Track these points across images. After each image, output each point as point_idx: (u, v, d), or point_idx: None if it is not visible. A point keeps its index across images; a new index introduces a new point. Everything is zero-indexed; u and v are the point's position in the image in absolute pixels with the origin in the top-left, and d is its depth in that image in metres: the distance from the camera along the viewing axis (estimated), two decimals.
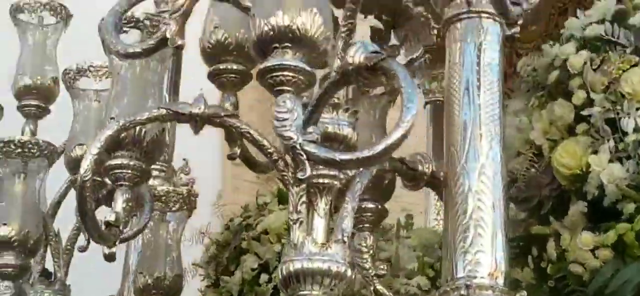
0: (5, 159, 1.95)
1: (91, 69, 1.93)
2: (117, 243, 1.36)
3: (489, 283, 1.25)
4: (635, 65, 1.49)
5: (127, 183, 1.38)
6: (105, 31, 1.36)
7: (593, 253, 1.45)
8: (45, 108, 2.02)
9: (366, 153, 1.14)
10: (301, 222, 1.29)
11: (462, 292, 1.25)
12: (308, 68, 1.08)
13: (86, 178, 1.25)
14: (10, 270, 1.92)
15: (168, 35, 1.33)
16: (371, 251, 1.59)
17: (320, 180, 1.30)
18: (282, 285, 1.28)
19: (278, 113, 1.07)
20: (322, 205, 1.32)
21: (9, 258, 1.91)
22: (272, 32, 1.07)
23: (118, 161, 1.35)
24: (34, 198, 1.96)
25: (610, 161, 1.45)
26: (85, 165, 1.24)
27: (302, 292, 1.23)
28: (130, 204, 1.38)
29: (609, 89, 1.48)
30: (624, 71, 1.48)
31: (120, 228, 1.36)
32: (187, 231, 2.15)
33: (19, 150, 1.93)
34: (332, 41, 1.18)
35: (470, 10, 1.31)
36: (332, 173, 1.30)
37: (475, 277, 1.25)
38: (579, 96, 1.50)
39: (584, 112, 1.50)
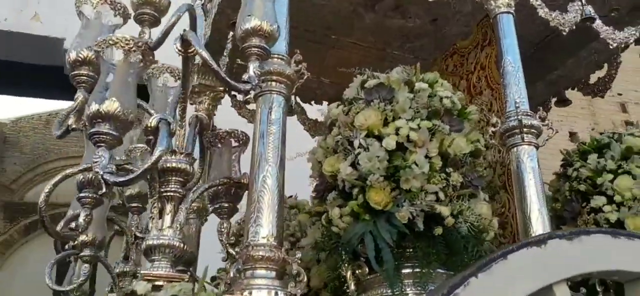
0: None
1: None
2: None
3: (263, 242, 1.96)
4: (363, 110, 2.22)
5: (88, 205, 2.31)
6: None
7: (341, 220, 2.16)
8: None
9: (132, 176, 1.88)
10: (154, 218, 2.08)
11: (242, 249, 2.01)
12: (115, 133, 1.81)
13: (42, 208, 2.18)
14: None
15: None
16: (227, 231, 2.37)
17: (168, 193, 2.11)
18: (145, 253, 2.07)
19: (95, 158, 1.80)
20: (168, 207, 2.09)
21: None
22: (93, 113, 1.81)
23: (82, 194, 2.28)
24: None
25: (351, 166, 2.16)
26: (41, 199, 2.17)
27: (154, 256, 2.04)
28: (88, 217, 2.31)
29: (351, 124, 2.22)
30: (357, 113, 2.22)
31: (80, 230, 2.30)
32: None
33: None
34: (131, 116, 1.85)
35: (263, 90, 2.11)
36: (174, 188, 2.12)
37: (255, 239, 1.97)
38: (335, 131, 2.26)
39: (337, 139, 2.24)
